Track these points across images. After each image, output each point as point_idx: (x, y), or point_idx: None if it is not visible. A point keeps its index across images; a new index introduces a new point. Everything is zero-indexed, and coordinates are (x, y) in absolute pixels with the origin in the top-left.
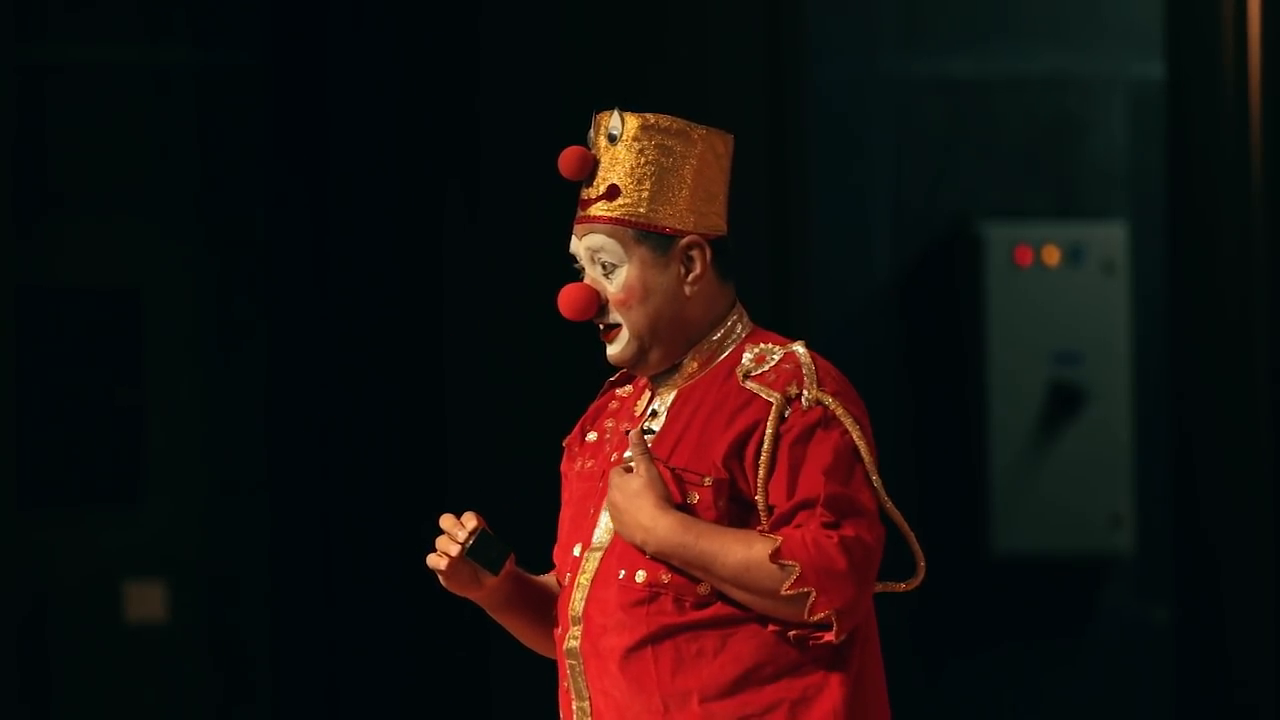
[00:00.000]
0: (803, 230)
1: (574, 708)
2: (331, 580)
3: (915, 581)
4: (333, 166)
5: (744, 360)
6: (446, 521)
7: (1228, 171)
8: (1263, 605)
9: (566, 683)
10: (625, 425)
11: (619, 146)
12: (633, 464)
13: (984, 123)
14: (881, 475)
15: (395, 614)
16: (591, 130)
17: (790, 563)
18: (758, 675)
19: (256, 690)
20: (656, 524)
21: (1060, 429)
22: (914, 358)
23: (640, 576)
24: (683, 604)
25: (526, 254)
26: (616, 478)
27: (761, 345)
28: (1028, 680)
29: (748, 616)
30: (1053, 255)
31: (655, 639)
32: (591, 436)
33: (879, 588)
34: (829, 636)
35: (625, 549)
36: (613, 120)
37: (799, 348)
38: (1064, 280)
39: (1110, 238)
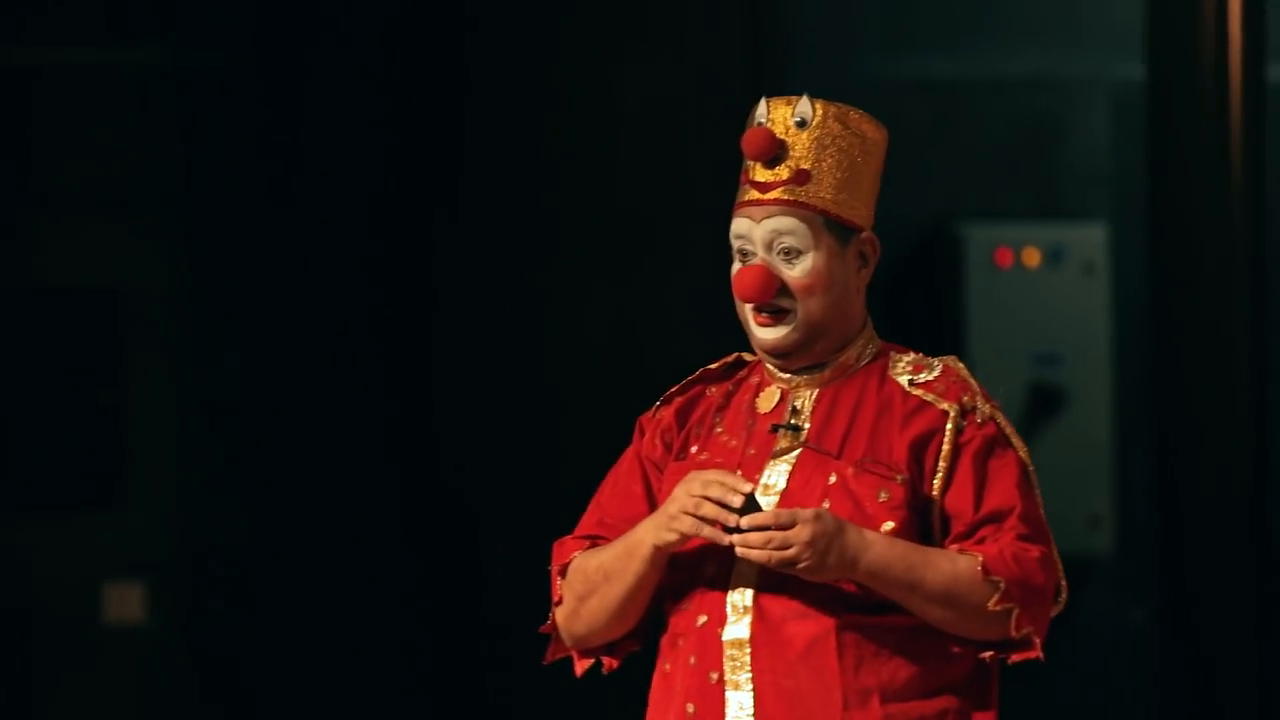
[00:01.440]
0: None
1: (727, 699)
2: (312, 581)
3: (1060, 605)
4: (311, 167)
5: (896, 366)
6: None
7: (1208, 173)
8: (1241, 606)
9: (721, 672)
10: (769, 421)
11: (810, 132)
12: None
13: (964, 124)
14: None
15: (380, 615)
16: (763, 112)
17: (997, 578)
18: (931, 682)
19: (236, 692)
20: (868, 547)
21: (1040, 430)
22: None
23: None
24: (866, 598)
25: (511, 253)
26: (811, 521)
27: (912, 354)
28: (1006, 680)
29: (923, 623)
30: (1033, 256)
31: (841, 631)
32: (720, 429)
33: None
34: (1032, 654)
35: None
36: (802, 105)
37: (956, 361)
38: (1044, 281)
39: (1090, 239)
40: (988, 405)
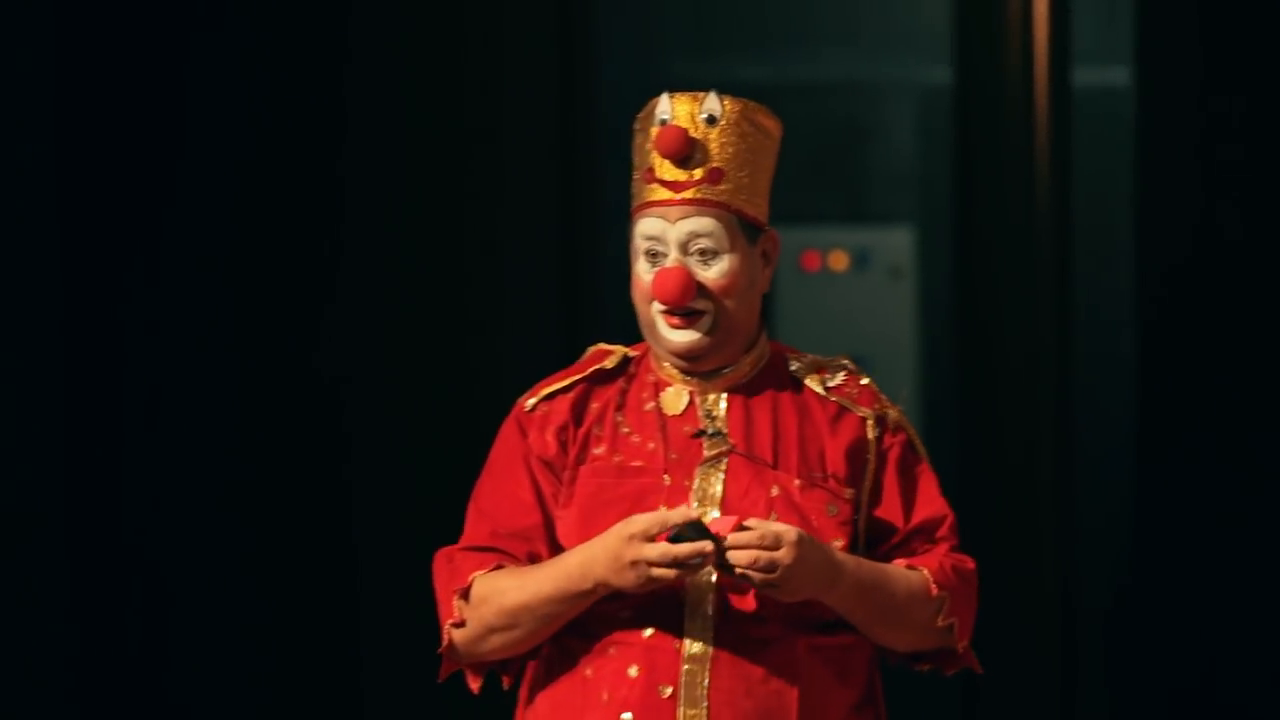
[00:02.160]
0: (593, 235)
1: (679, 714)
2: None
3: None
4: (137, 167)
5: (799, 368)
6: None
7: (1013, 177)
8: (1045, 610)
9: (671, 687)
10: (686, 427)
11: (721, 129)
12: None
13: None
14: None
15: (234, 658)
16: (666, 109)
17: (943, 593)
18: (864, 698)
19: None
20: (843, 570)
21: None
22: None
23: None
24: (819, 620)
25: (392, 251)
26: (795, 544)
27: (807, 356)
28: None
29: (856, 641)
30: (840, 260)
31: (805, 653)
32: (625, 428)
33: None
34: (969, 664)
35: None
36: (710, 101)
37: (852, 362)
38: (851, 285)
39: (897, 243)
40: (895, 411)
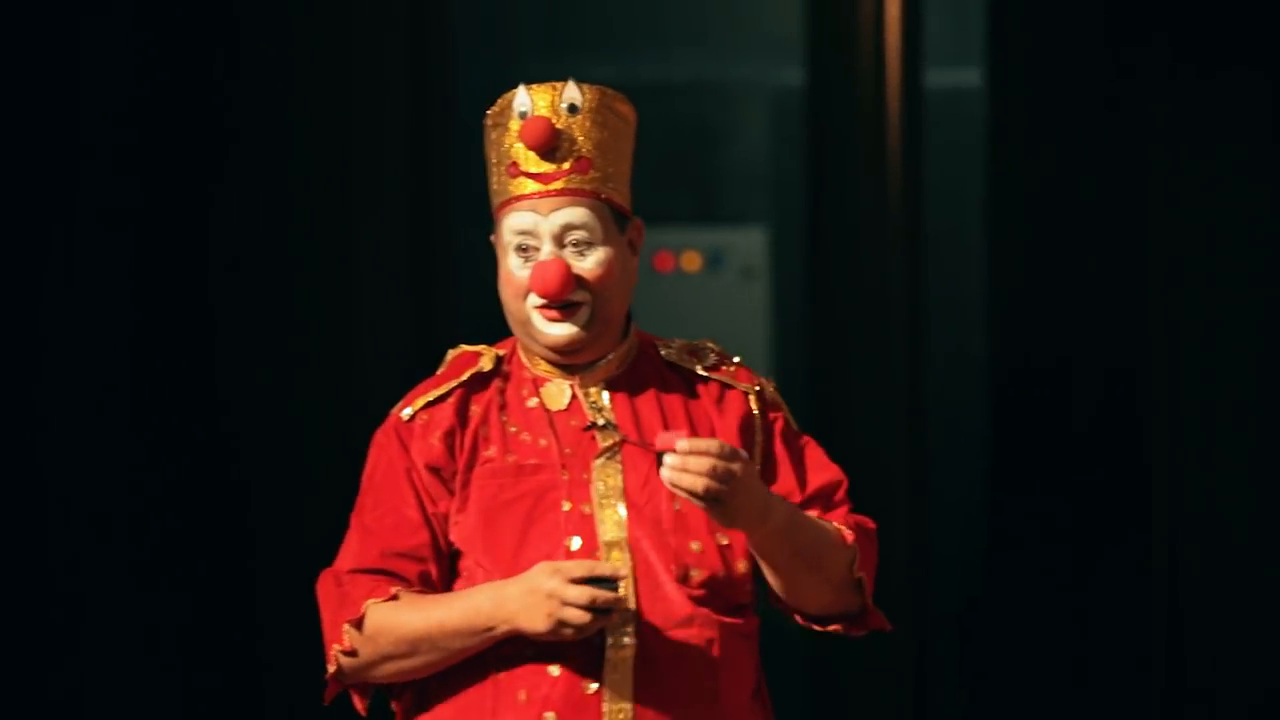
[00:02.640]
0: (445, 237)
1: (603, 709)
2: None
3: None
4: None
5: (671, 353)
6: (603, 569)
7: (865, 178)
8: (898, 612)
9: (541, 681)
10: (574, 421)
11: (583, 117)
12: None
13: None
14: None
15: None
16: (525, 102)
17: (855, 544)
18: (757, 691)
19: None
20: (775, 501)
21: None
22: None
23: (696, 574)
24: (731, 605)
25: (245, 247)
26: (745, 461)
27: (675, 340)
28: None
29: (755, 629)
30: (693, 261)
31: (722, 642)
32: (512, 427)
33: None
34: (878, 626)
35: (661, 544)
36: (570, 90)
37: (715, 344)
38: (704, 286)
39: (750, 244)
40: (771, 386)
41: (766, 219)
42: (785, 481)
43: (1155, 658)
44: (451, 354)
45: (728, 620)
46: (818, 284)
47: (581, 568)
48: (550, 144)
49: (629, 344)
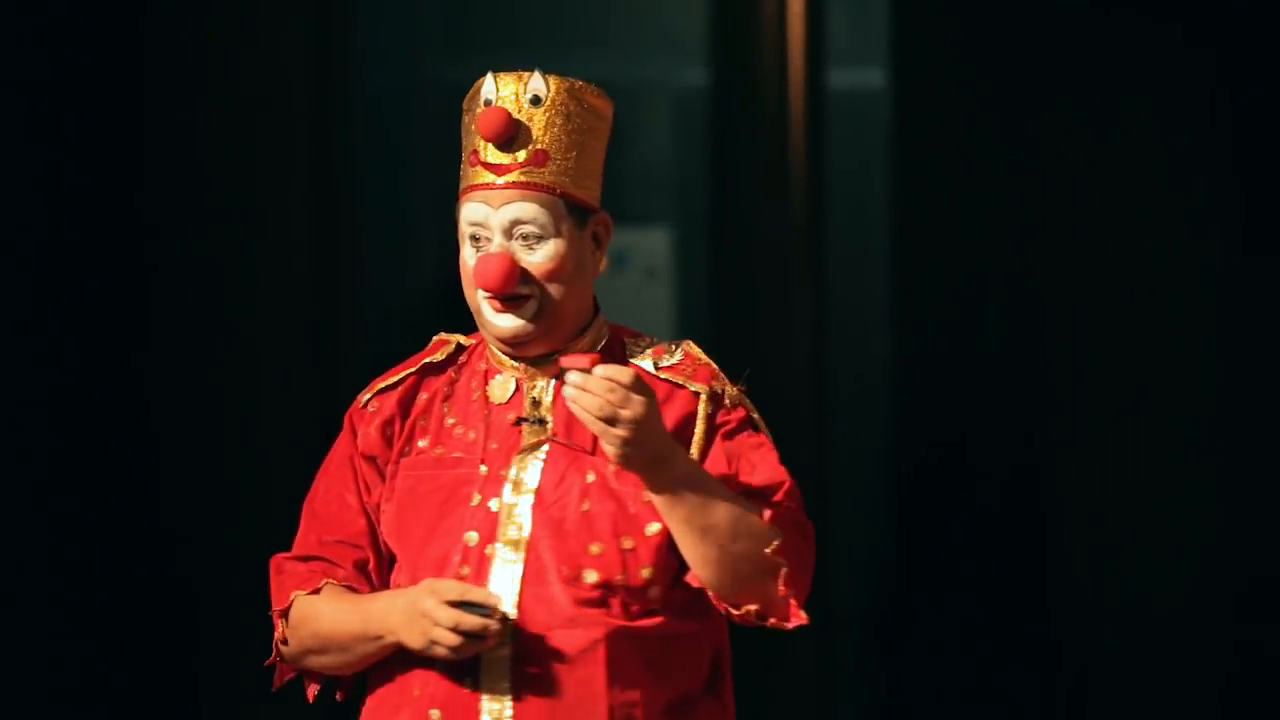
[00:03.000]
0: (351, 237)
1: (482, 705)
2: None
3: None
4: None
5: (635, 352)
6: (479, 597)
7: (769, 179)
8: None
9: (429, 680)
10: (510, 414)
11: (545, 109)
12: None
13: None
14: None
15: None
16: (491, 90)
17: (775, 528)
18: (690, 694)
19: None
20: (678, 455)
21: None
22: None
23: (590, 577)
24: (630, 609)
25: (148, 253)
26: (649, 404)
27: (646, 339)
28: None
29: (686, 632)
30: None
31: (609, 645)
32: (451, 420)
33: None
34: (792, 621)
35: (559, 544)
36: (535, 81)
37: (692, 345)
38: (607, 286)
39: (653, 244)
40: (734, 389)
41: (670, 219)
42: (717, 475)
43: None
44: (432, 341)
45: (624, 623)
46: (721, 284)
47: (455, 590)
48: (505, 135)
49: (591, 338)
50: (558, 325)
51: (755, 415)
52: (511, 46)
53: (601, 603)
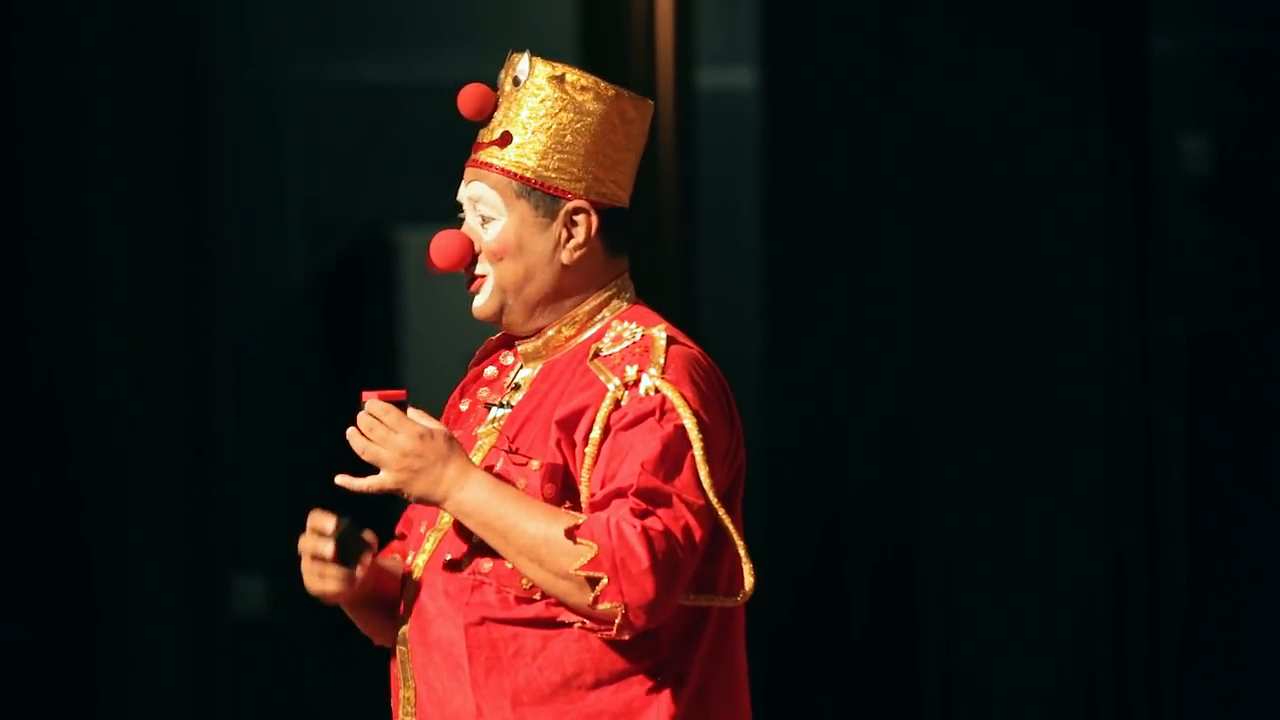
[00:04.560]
0: (219, 236)
1: (400, 696)
2: None
3: (745, 594)
4: None
5: (605, 338)
6: (315, 520)
7: (640, 178)
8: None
9: (396, 669)
10: (495, 397)
11: (522, 92)
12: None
13: (399, 128)
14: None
15: None
16: (502, 70)
17: (586, 542)
18: (578, 682)
19: None
20: (465, 487)
21: None
22: (333, 363)
23: (466, 563)
24: (506, 597)
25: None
26: (417, 437)
27: (627, 324)
28: None
29: (573, 619)
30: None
31: (473, 633)
32: (465, 405)
33: (703, 601)
34: (616, 631)
35: (456, 534)
36: (521, 63)
37: (659, 331)
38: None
39: None
40: (658, 376)
41: None
42: (597, 477)
43: None
44: None
45: (500, 614)
46: None
47: (319, 516)
48: (474, 112)
49: (566, 328)
50: (521, 305)
51: (677, 401)
52: (379, 45)
53: (472, 590)
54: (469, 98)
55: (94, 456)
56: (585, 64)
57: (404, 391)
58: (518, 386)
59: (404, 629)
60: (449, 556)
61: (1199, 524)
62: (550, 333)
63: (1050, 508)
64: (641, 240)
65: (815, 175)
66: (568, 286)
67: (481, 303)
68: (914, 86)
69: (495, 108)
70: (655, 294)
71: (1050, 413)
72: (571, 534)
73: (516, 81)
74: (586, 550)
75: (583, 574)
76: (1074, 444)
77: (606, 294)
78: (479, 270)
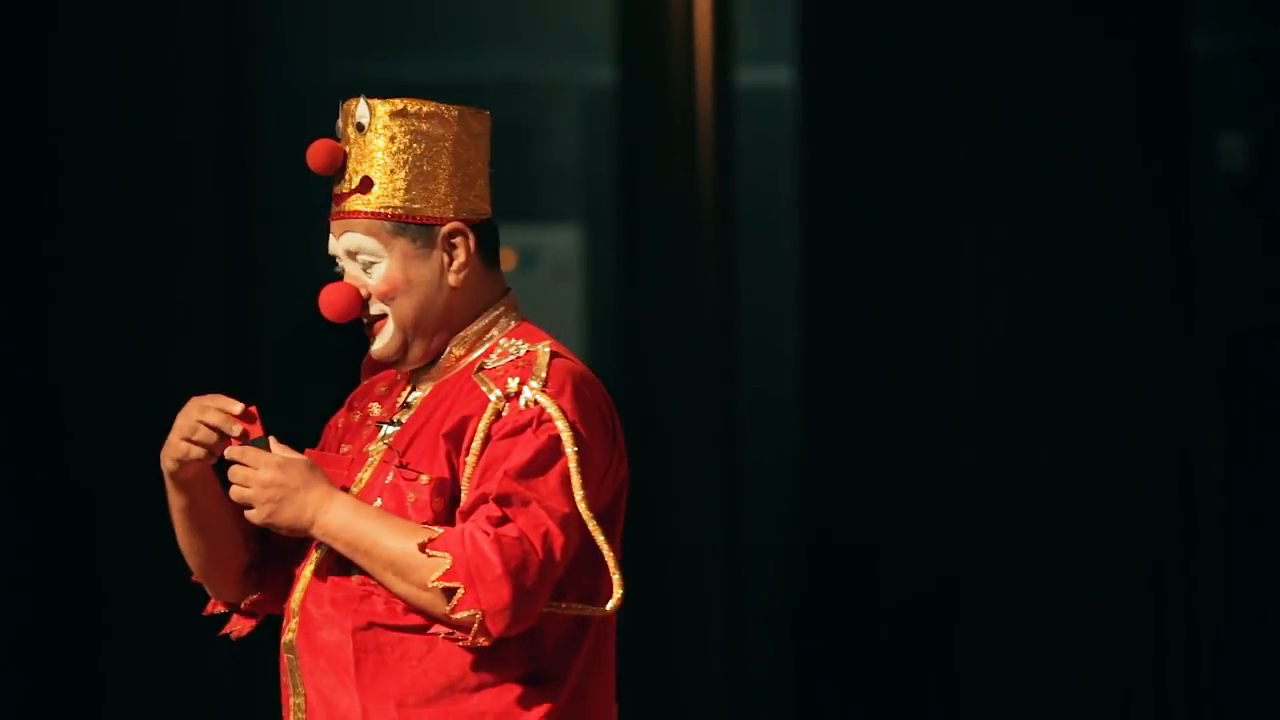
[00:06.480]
0: (262, 238)
1: (290, 703)
2: None
3: (613, 604)
4: None
5: (492, 355)
6: (222, 401)
7: (678, 176)
8: (711, 612)
9: (285, 677)
10: (386, 415)
11: (369, 135)
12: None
13: None
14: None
15: None
16: (340, 121)
17: (440, 554)
18: (461, 685)
19: None
20: (328, 510)
21: None
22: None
23: (355, 572)
24: (393, 604)
25: (66, 258)
26: (275, 467)
27: (514, 341)
28: None
29: (441, 629)
30: (507, 259)
31: (359, 637)
32: (357, 417)
33: (576, 610)
34: (473, 638)
35: None
36: (360, 108)
37: (543, 346)
38: (517, 284)
39: (563, 242)
40: (538, 389)
41: (579, 218)
42: (471, 487)
43: None
44: None
45: (387, 620)
46: (630, 282)
47: (207, 404)
48: (325, 168)
49: (465, 345)
50: (419, 335)
51: (553, 411)
52: (419, 45)
53: (360, 598)
54: (317, 154)
55: (126, 462)
56: (624, 63)
57: (259, 429)
58: (409, 405)
59: (290, 637)
60: (338, 566)
61: (1236, 528)
62: (445, 353)
63: (1086, 511)
64: (679, 239)
65: (853, 173)
66: (459, 307)
67: (383, 344)
68: (951, 84)
69: (345, 158)
70: (693, 293)
71: (1087, 413)
72: (424, 548)
73: (360, 127)
74: (442, 561)
75: (439, 584)
76: (1111, 444)
77: (495, 313)
78: (374, 311)
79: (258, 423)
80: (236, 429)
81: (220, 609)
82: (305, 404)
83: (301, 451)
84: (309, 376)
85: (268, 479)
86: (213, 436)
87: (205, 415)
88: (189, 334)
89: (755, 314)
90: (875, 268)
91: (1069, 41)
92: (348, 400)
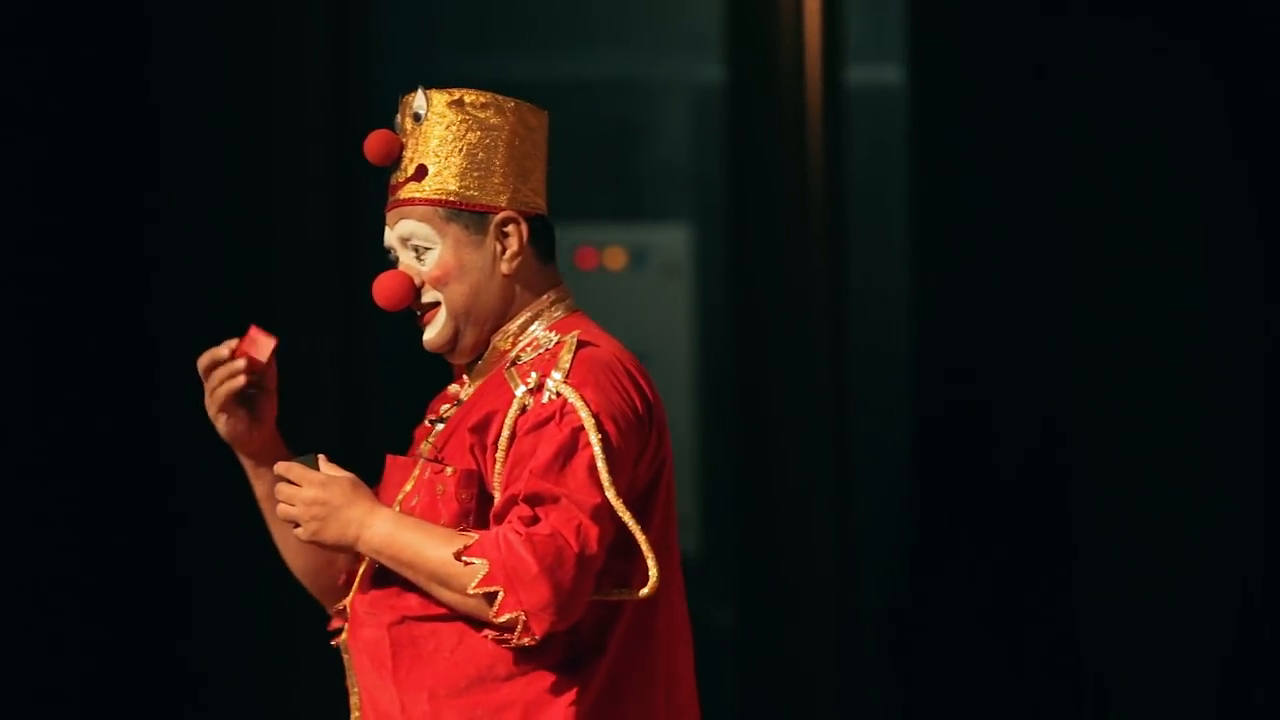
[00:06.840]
0: (371, 239)
1: (351, 701)
2: None
3: (648, 588)
4: None
5: (526, 348)
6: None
7: (788, 175)
8: (824, 608)
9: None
10: (440, 415)
11: (425, 125)
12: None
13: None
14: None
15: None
16: (399, 114)
17: (478, 560)
18: (492, 674)
19: None
20: (371, 525)
21: None
22: None
23: (394, 573)
24: (426, 599)
25: (164, 254)
26: (319, 485)
27: (549, 333)
28: None
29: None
30: (616, 258)
31: (395, 631)
32: (430, 422)
33: (614, 596)
34: (517, 638)
35: None
36: (417, 99)
37: (572, 336)
38: (627, 283)
39: (673, 241)
40: (561, 381)
41: (689, 216)
42: (503, 485)
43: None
44: None
45: (419, 612)
46: (740, 281)
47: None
48: (382, 157)
49: (502, 339)
50: (471, 323)
51: (576, 404)
52: (528, 44)
53: (396, 595)
54: (375, 144)
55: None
56: (734, 61)
57: (258, 347)
58: (459, 403)
59: (344, 637)
60: (379, 565)
61: None
62: (491, 348)
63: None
64: (789, 238)
65: (963, 171)
66: (511, 298)
67: (435, 332)
68: (1060, 80)
69: (401, 149)
70: (803, 291)
71: (1198, 406)
72: (460, 555)
73: (417, 118)
74: (479, 568)
75: (480, 591)
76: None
77: (539, 307)
78: (427, 299)
79: (253, 342)
80: (224, 351)
81: (338, 624)
82: (417, 405)
83: (386, 457)
84: (420, 377)
85: (311, 497)
86: (220, 376)
87: (200, 366)
88: (299, 336)
89: (864, 313)
90: (985, 266)
91: (1183, 43)
92: (429, 405)
